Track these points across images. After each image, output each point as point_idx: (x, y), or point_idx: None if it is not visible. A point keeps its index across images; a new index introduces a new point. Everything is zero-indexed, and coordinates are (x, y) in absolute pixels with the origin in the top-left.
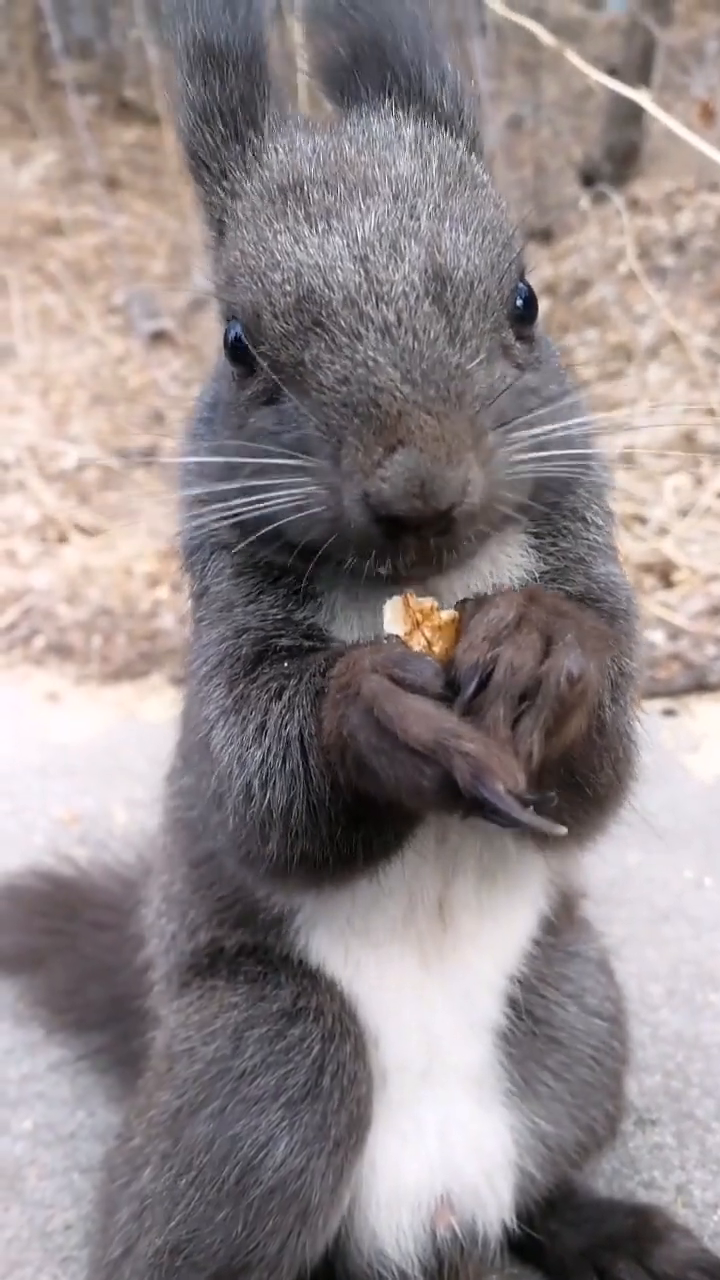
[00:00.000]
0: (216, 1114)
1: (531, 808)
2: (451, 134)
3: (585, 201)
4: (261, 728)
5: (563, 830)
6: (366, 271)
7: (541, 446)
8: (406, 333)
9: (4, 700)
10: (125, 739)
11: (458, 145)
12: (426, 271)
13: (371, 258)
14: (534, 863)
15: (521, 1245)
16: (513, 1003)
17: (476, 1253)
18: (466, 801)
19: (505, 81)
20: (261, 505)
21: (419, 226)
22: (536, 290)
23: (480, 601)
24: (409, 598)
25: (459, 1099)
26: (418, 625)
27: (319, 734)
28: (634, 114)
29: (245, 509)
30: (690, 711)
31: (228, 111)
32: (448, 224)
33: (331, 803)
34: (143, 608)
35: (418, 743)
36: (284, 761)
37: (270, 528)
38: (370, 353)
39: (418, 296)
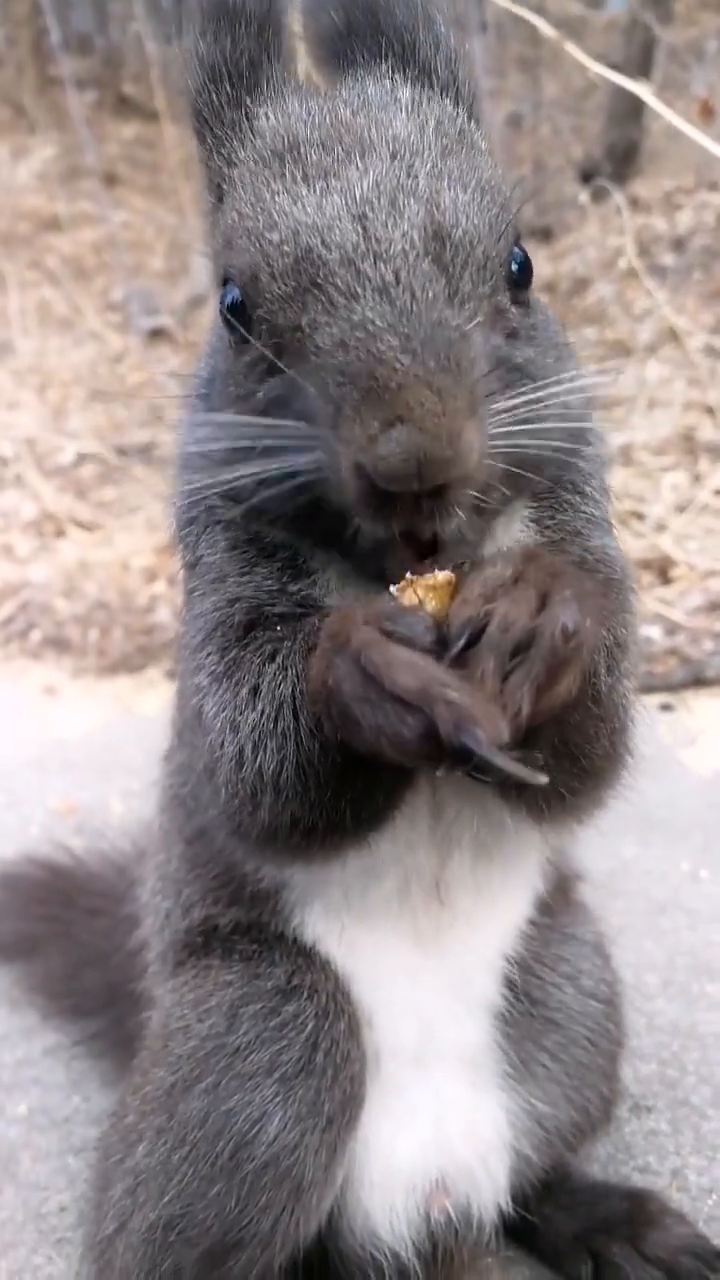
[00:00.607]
0: (210, 1089)
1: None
2: (448, 98)
3: (584, 197)
4: (255, 690)
5: (543, 779)
6: (365, 230)
7: (538, 416)
8: (405, 292)
9: (1, 694)
10: (122, 732)
11: (455, 109)
12: (426, 230)
13: (370, 215)
14: (530, 841)
15: (515, 1228)
16: (509, 983)
17: (471, 1235)
18: (449, 753)
19: (505, 79)
20: (258, 472)
21: (418, 185)
22: (536, 288)
23: (477, 564)
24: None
25: (454, 1080)
26: (411, 584)
27: (306, 683)
28: (634, 112)
29: (242, 477)
30: (687, 706)
31: (235, 73)
32: (446, 183)
33: (320, 762)
34: (140, 602)
35: (403, 690)
36: (276, 723)
37: (266, 494)
38: (368, 314)
39: (417, 255)
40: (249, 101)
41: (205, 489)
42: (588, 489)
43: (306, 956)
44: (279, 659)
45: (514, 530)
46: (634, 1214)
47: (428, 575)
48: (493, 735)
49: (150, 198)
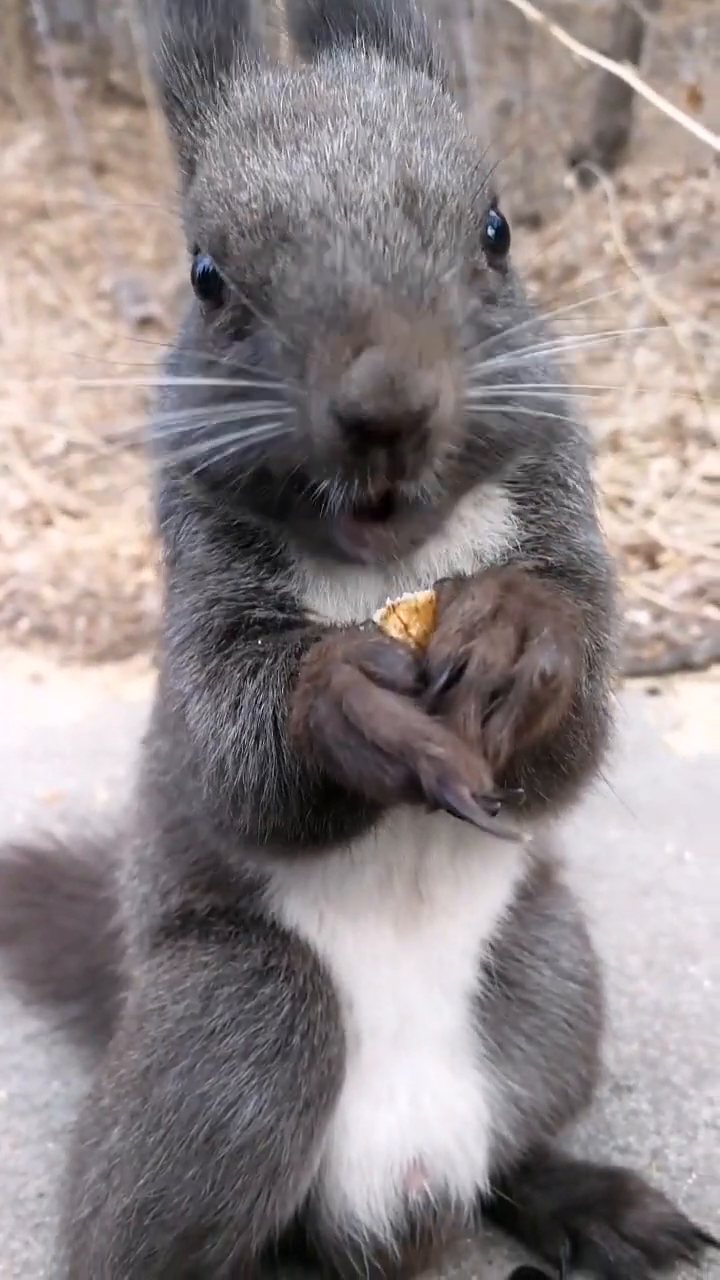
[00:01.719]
0: (185, 1072)
1: (499, 806)
2: (422, 72)
3: (570, 181)
4: (235, 705)
5: (526, 838)
6: (335, 185)
7: (515, 376)
8: (377, 238)
9: None
10: (109, 721)
11: (430, 81)
12: (396, 184)
13: (340, 172)
14: None
15: (494, 1209)
16: (486, 967)
17: (449, 1216)
18: (431, 800)
19: (494, 67)
20: (229, 440)
21: (389, 144)
22: (524, 275)
23: (458, 584)
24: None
25: (432, 1063)
26: (394, 610)
27: (288, 722)
28: (623, 100)
29: (215, 447)
30: (674, 690)
31: (204, 50)
32: (418, 142)
33: (302, 784)
34: (127, 590)
35: (384, 743)
36: (257, 741)
37: (238, 467)
38: (338, 258)
39: (387, 205)
40: (222, 76)
41: (175, 468)
42: (570, 481)
43: (283, 939)
44: (260, 676)
45: (498, 524)
46: (613, 1193)
47: (408, 597)
48: (475, 789)
49: (139, 187)
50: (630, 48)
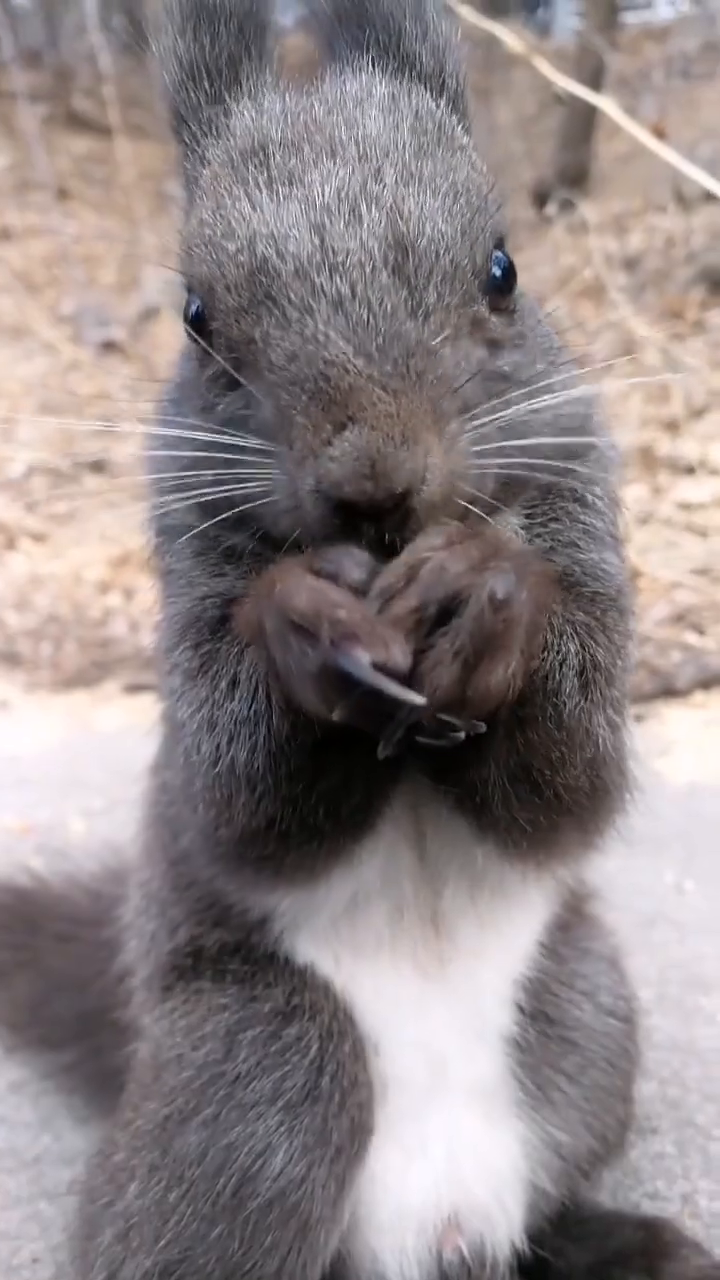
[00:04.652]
0: (209, 1121)
1: (417, 712)
2: (430, 91)
3: (552, 209)
4: (234, 681)
5: (420, 700)
6: (322, 241)
7: (517, 432)
8: (361, 305)
9: None
10: (80, 749)
11: (436, 103)
12: (387, 239)
13: (328, 226)
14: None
15: (525, 1262)
16: (521, 1006)
17: (484, 1275)
18: (354, 697)
19: None
20: (223, 491)
21: (382, 191)
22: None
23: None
24: None
25: (467, 1112)
26: None
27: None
28: (584, 136)
29: (207, 495)
30: (659, 717)
31: (214, 70)
32: (414, 188)
33: (290, 743)
34: (93, 615)
35: (296, 614)
36: (251, 706)
37: (233, 512)
38: (321, 327)
39: (374, 267)
40: (229, 98)
41: (168, 504)
42: (589, 497)
43: (302, 977)
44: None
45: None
46: (648, 1244)
47: None
48: (380, 658)
49: (101, 212)
50: (591, 87)
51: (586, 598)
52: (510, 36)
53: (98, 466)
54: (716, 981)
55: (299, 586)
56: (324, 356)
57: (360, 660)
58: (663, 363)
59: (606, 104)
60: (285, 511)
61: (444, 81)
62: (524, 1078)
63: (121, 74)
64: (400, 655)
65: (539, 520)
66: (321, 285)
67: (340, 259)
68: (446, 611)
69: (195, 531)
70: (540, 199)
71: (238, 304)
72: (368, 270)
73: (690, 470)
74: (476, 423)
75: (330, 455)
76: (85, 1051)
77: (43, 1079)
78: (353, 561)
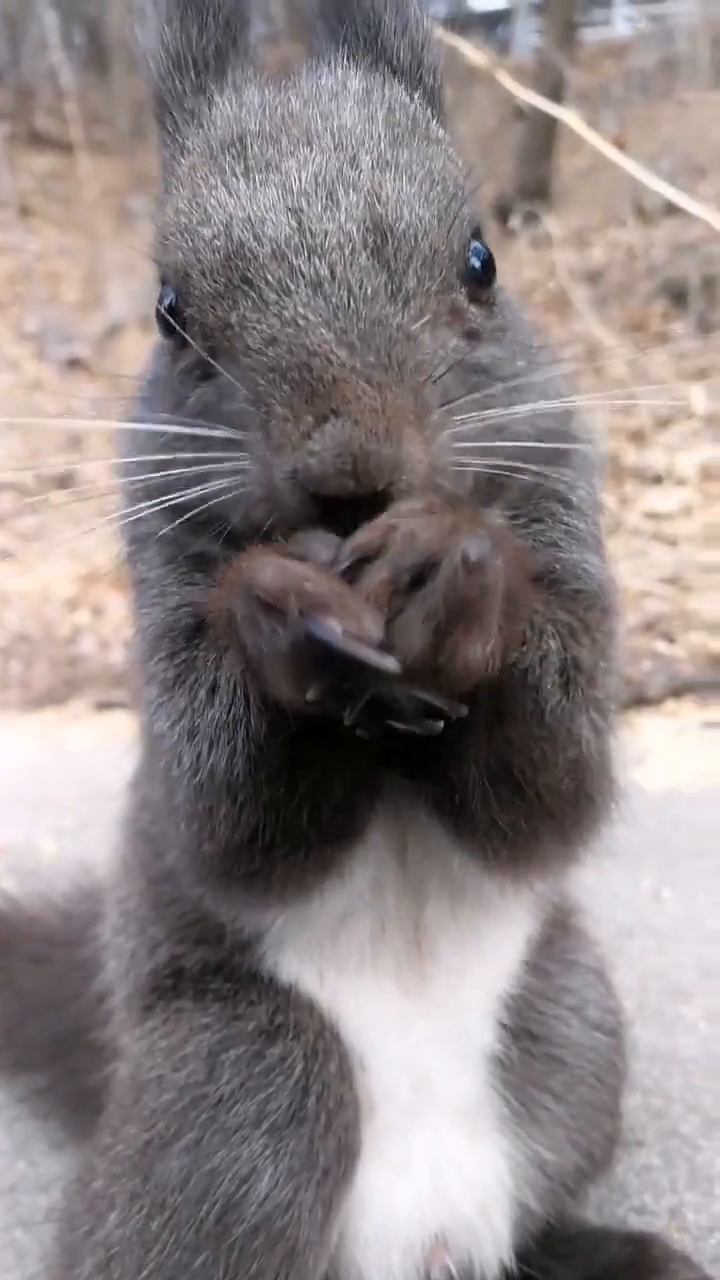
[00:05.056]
0: (192, 1146)
1: (390, 669)
2: (406, 86)
3: (499, 229)
4: (213, 687)
5: (393, 664)
6: (299, 223)
7: (498, 430)
8: (340, 287)
9: None
10: (50, 769)
11: (411, 98)
12: (365, 222)
13: (306, 209)
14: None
15: None
16: (507, 1024)
17: None
18: (327, 676)
19: None
20: (194, 492)
21: (359, 176)
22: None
23: None
24: None
25: (451, 1130)
26: None
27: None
28: (544, 152)
29: (178, 493)
30: (632, 726)
31: (200, 61)
32: (391, 174)
33: (269, 743)
34: (62, 633)
35: (264, 591)
36: (230, 710)
37: (203, 509)
38: (300, 309)
39: (354, 249)
40: (212, 88)
41: (135, 509)
42: (574, 498)
43: (285, 995)
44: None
45: None
46: (636, 1260)
47: None
48: (352, 629)
49: (65, 230)
50: (553, 101)
51: (568, 596)
52: (472, 50)
53: (65, 482)
54: (696, 989)
55: (265, 565)
56: (305, 344)
57: (332, 628)
58: (630, 375)
59: (569, 115)
60: (259, 500)
61: (421, 77)
62: (508, 1095)
63: (83, 90)
64: (371, 624)
65: (522, 520)
66: (300, 267)
67: (319, 240)
68: (420, 579)
69: (164, 533)
70: (502, 213)
71: (214, 289)
72: (346, 252)
73: (658, 480)
74: (459, 418)
75: (310, 449)
76: (61, 1074)
77: (17, 1103)
78: (321, 544)
